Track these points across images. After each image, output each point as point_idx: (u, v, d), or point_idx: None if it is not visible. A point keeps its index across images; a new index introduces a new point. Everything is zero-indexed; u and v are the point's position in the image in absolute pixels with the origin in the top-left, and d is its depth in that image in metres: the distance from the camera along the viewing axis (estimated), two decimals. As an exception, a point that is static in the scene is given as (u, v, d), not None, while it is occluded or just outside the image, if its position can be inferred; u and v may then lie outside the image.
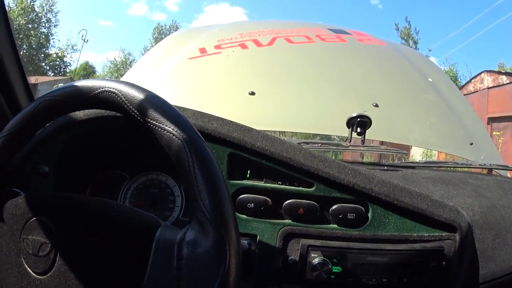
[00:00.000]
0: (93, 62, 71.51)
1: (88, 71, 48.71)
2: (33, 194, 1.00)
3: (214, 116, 1.28)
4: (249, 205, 1.23)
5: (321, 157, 1.24)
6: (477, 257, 1.25)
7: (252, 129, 1.26)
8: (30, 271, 0.90)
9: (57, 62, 42.78)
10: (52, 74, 41.18)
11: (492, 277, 1.24)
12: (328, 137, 3.18)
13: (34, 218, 0.91)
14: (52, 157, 1.31)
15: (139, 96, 0.84)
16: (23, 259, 0.91)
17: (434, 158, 9.91)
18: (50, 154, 1.31)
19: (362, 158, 4.37)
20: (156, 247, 0.79)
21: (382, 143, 2.61)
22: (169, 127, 0.80)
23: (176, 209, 1.38)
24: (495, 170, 2.11)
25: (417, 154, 11.92)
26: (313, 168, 1.21)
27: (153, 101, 0.84)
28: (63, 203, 0.94)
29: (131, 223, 0.87)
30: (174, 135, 0.80)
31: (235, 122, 1.27)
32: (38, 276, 0.89)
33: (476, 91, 17.38)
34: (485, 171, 2.20)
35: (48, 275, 0.88)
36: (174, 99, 2.23)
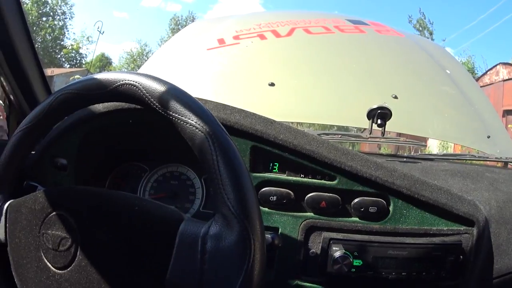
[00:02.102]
0: (108, 53, 71.71)
1: (104, 62, 48.79)
2: (52, 188, 1.02)
3: (237, 108, 1.28)
4: (271, 198, 1.24)
5: (344, 149, 1.25)
6: (492, 251, 1.25)
7: (274, 121, 1.26)
8: (49, 265, 0.91)
9: (73, 54, 43.01)
10: (68, 66, 41.42)
11: (506, 271, 1.23)
12: (345, 128, 3.17)
13: (54, 213, 0.92)
14: (71, 150, 1.32)
15: (160, 88, 0.83)
16: (42, 254, 0.92)
17: (450, 150, 9.86)
18: (69, 147, 1.32)
19: (380, 149, 4.37)
20: (179, 241, 0.79)
21: (399, 134, 2.60)
22: (192, 120, 0.80)
23: (196, 201, 1.39)
24: (510, 163, 2.11)
25: (433, 146, 11.86)
26: (336, 161, 1.21)
27: (174, 94, 0.83)
28: (83, 197, 0.94)
29: (154, 217, 0.87)
30: (197, 128, 0.79)
31: (258, 114, 1.27)
32: (58, 271, 0.90)
33: (492, 84, 17.27)
34: (500, 164, 2.20)
35: (69, 269, 0.88)
36: (193, 90, 2.24)
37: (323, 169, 1.24)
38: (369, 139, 1.93)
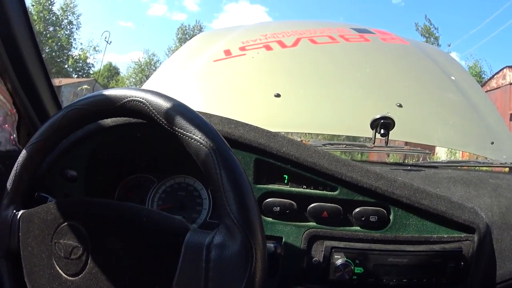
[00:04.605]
0: (116, 62, 71.38)
1: (112, 72, 48.84)
2: (63, 200, 1.07)
3: (241, 122, 1.31)
4: (275, 209, 1.26)
5: (345, 161, 1.27)
6: (495, 257, 1.26)
7: (277, 134, 1.29)
8: (61, 273, 0.95)
9: (80, 64, 42.98)
10: (76, 75, 41.44)
11: (510, 276, 1.24)
12: (353, 138, 3.18)
13: (66, 223, 0.96)
14: (80, 162, 1.37)
15: (166, 105, 0.87)
16: (54, 262, 0.96)
17: (458, 156, 9.79)
18: (79, 159, 1.36)
19: (388, 156, 4.36)
20: (185, 250, 0.83)
21: (406, 143, 2.60)
22: (197, 136, 0.84)
23: (203, 212, 1.42)
24: (516, 169, 2.11)
25: (442, 152, 11.78)
26: (336, 173, 1.23)
27: (180, 110, 0.87)
28: (94, 208, 0.98)
29: (161, 227, 0.91)
30: (201, 143, 0.83)
31: (261, 128, 1.30)
32: (70, 278, 0.94)
33: (499, 87, 17.14)
34: (506, 170, 2.20)
35: (80, 276, 0.93)
36: (200, 102, 2.27)
37: (325, 180, 1.26)
38: (373, 149, 1.94)
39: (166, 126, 0.87)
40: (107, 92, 0.94)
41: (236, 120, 1.32)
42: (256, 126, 1.31)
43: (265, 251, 0.83)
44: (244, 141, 1.27)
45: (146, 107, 0.88)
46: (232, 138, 1.26)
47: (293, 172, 1.28)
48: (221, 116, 1.32)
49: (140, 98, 0.89)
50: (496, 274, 1.25)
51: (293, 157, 1.25)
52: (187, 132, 0.85)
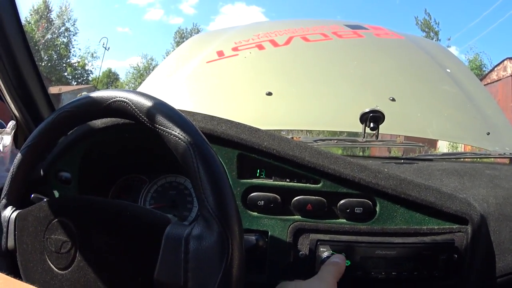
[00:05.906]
0: (115, 68, 71.39)
1: (111, 78, 49.06)
2: (55, 198, 1.12)
3: (223, 119, 1.31)
4: (259, 203, 1.26)
5: (327, 153, 1.26)
6: (492, 250, 1.23)
7: (259, 129, 1.29)
8: (53, 267, 0.98)
9: (79, 71, 43.23)
10: (75, 83, 41.73)
11: (510, 270, 1.22)
12: (356, 133, 3.18)
13: (56, 220, 0.98)
14: (73, 165, 1.39)
15: (148, 103, 0.89)
16: (46, 257, 0.99)
17: (460, 149, 9.77)
18: (72, 161, 1.38)
19: (390, 152, 4.35)
20: (165, 242, 0.85)
21: (405, 137, 2.60)
22: (175, 131, 0.86)
23: (194, 210, 1.43)
24: (517, 159, 2.09)
25: (443, 146, 11.76)
26: (318, 165, 1.23)
27: (160, 108, 0.89)
28: (82, 205, 1.01)
29: (143, 221, 0.93)
30: (180, 138, 0.85)
31: (243, 124, 1.31)
32: (60, 271, 0.96)
33: (500, 79, 17.09)
34: (507, 161, 2.18)
35: (69, 270, 0.95)
36: (193, 103, 2.27)
37: (307, 173, 1.25)
38: (364, 143, 1.94)
39: (148, 124, 0.89)
40: (94, 94, 0.97)
41: (219, 117, 1.32)
42: (239, 122, 1.31)
43: (241, 242, 0.84)
44: (226, 137, 1.27)
45: (129, 107, 0.91)
46: (215, 135, 1.27)
47: (275, 165, 1.28)
48: (204, 114, 1.33)
49: (124, 98, 0.92)
50: (496, 267, 1.22)
51: (275, 151, 1.25)
52: (166, 128, 0.87)
